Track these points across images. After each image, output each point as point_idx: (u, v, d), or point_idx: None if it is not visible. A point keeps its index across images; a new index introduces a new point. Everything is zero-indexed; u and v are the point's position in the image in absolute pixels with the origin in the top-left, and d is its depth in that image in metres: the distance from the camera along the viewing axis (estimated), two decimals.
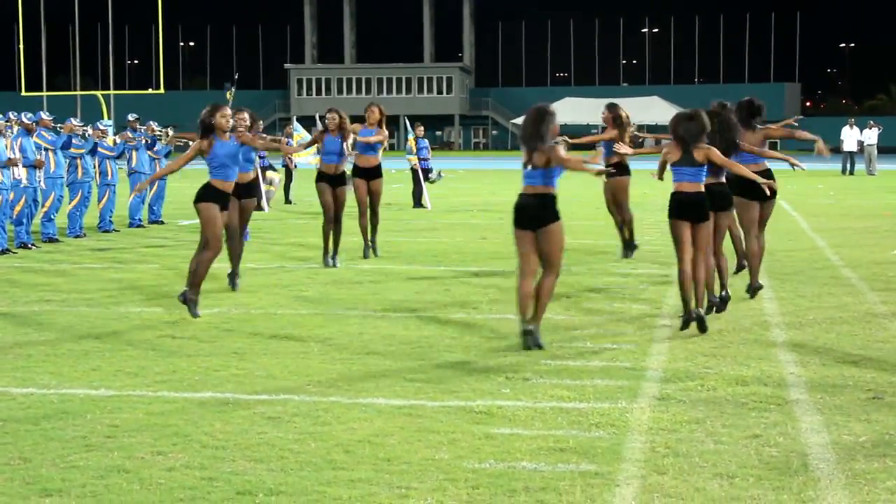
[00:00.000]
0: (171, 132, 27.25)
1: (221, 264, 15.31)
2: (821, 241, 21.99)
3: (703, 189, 12.57)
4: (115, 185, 25.06)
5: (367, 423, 8.67)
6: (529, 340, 11.36)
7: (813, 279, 16.62)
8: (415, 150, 32.53)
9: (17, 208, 20.93)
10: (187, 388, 9.90)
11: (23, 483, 7.25)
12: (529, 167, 11.39)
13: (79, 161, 23.45)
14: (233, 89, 38.75)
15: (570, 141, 16.79)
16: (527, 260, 11.43)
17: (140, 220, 26.25)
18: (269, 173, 31.21)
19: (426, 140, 34.82)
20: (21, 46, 69.46)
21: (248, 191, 16.21)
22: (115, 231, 24.92)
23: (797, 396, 9.51)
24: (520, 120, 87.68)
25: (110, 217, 25.05)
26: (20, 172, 20.48)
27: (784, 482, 7.25)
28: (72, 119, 24.05)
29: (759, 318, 13.41)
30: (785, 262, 18.59)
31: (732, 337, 12.17)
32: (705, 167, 12.57)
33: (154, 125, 27.21)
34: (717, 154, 12.54)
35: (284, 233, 24.19)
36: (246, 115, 16.23)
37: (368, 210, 19.21)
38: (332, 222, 18.03)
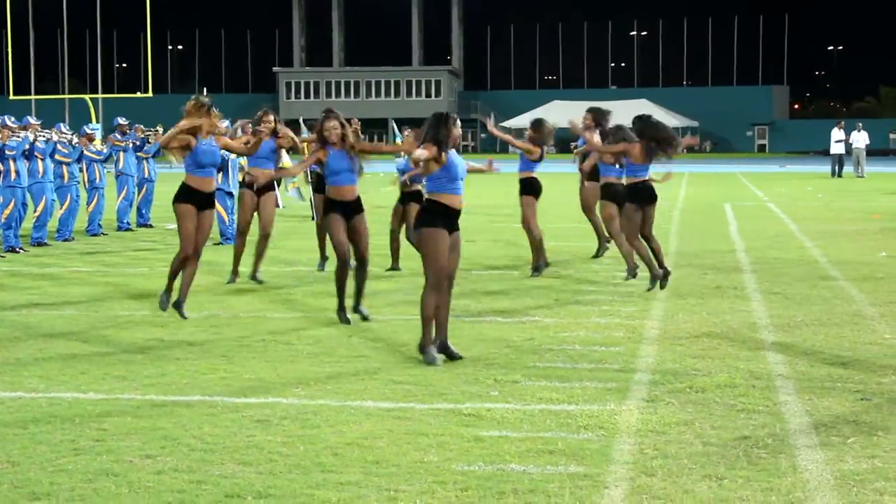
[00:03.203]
0: (160, 129, 27.21)
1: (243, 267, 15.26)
2: (809, 244, 22.02)
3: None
4: (102, 189, 25.04)
5: (355, 426, 8.66)
6: None
7: (801, 281, 16.64)
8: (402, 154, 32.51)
9: (6, 213, 20.91)
10: (176, 391, 9.89)
11: (11, 487, 7.23)
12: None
13: (64, 166, 23.42)
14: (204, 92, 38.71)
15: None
16: None
17: (128, 223, 26.23)
18: None
19: None
20: (9, 50, 69.35)
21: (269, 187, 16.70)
22: (104, 234, 24.89)
23: (786, 398, 9.53)
24: (510, 122, 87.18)
25: (99, 220, 25.03)
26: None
27: (773, 483, 7.26)
28: (60, 125, 24.02)
29: (748, 320, 13.42)
30: (773, 265, 18.62)
31: (721, 339, 12.19)
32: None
33: (142, 127, 27.21)
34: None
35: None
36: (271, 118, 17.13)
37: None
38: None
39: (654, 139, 15.27)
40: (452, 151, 11.34)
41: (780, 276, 17.25)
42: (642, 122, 15.54)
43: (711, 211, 31.38)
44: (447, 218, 11.13)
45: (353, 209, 13.34)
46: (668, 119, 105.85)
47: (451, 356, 11.16)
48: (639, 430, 8.50)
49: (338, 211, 13.28)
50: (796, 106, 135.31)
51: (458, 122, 11.57)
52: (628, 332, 12.61)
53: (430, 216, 11.13)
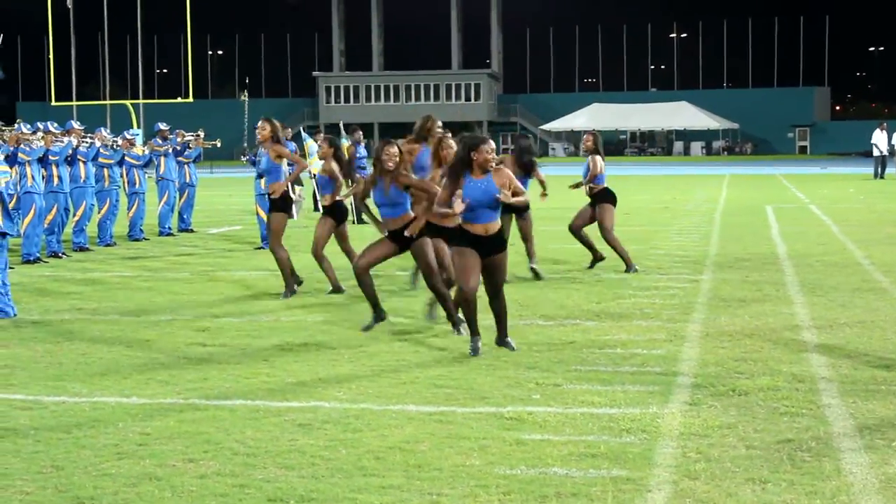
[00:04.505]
0: (201, 133, 27.35)
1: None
2: (851, 246, 21.89)
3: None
4: (143, 194, 25.17)
5: (397, 430, 8.67)
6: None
7: (844, 283, 16.54)
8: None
9: (49, 217, 21.04)
10: (218, 395, 9.92)
11: (55, 491, 7.27)
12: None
13: (105, 170, 23.56)
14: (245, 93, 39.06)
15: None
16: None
17: (170, 228, 26.35)
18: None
19: None
20: (51, 56, 69.78)
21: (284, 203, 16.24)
22: (145, 239, 25.03)
23: (829, 401, 9.47)
24: (550, 126, 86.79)
25: (140, 226, 25.16)
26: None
27: (817, 487, 7.21)
28: (102, 129, 24.19)
29: (790, 322, 13.36)
30: (816, 267, 18.51)
31: (763, 341, 12.13)
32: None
33: (183, 132, 27.34)
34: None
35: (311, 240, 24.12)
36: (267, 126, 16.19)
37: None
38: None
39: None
40: (483, 178, 11.38)
41: (823, 278, 17.15)
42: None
43: (753, 213, 31.25)
44: (474, 244, 11.44)
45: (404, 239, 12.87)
46: (709, 121, 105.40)
47: (509, 348, 11.75)
48: (681, 434, 8.47)
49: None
50: (837, 107, 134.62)
51: (487, 146, 11.41)
52: (670, 335, 12.57)
53: (456, 238, 11.59)
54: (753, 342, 12.10)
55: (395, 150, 12.72)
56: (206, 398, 9.81)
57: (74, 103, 71.81)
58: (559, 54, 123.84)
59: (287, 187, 16.23)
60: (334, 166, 15.86)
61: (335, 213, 16.01)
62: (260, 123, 16.29)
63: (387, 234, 12.80)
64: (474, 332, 11.61)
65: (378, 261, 12.96)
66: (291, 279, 15.97)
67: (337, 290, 16.01)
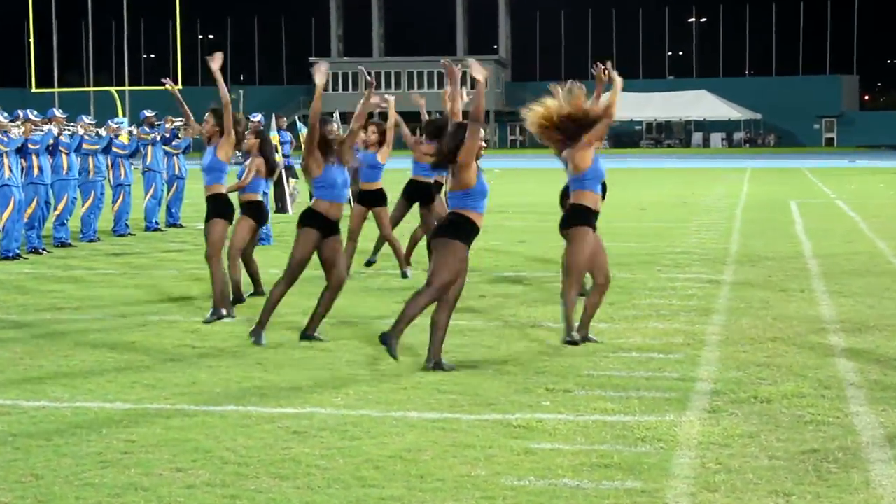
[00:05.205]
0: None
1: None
2: (881, 244, 21.88)
3: None
4: (129, 186, 25.12)
5: (398, 438, 8.66)
6: None
7: (873, 283, 16.53)
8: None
9: (29, 211, 21.03)
10: (208, 400, 9.91)
11: (35, 502, 7.26)
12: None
13: (91, 160, 23.50)
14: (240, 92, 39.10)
15: None
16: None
17: (157, 223, 26.34)
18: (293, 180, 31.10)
19: None
20: (31, 41, 69.86)
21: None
22: (131, 234, 25.01)
23: (857, 408, 9.46)
24: None
25: (126, 220, 25.13)
26: None
27: (844, 500, 7.20)
28: (84, 117, 24.17)
29: (816, 325, 13.34)
30: (843, 266, 18.51)
31: (788, 345, 12.11)
32: None
33: (172, 118, 27.28)
34: None
35: None
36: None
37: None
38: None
39: None
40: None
41: (850, 277, 17.15)
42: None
43: (776, 209, 31.26)
44: (471, 235, 11.22)
45: (334, 228, 12.66)
46: (730, 111, 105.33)
47: (445, 369, 11.06)
48: (700, 443, 8.46)
49: (317, 227, 12.56)
50: (866, 97, 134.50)
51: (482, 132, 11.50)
52: (688, 338, 12.56)
53: (459, 229, 11.16)
54: (776, 346, 12.09)
55: (333, 125, 12.89)
56: (194, 403, 9.80)
57: (56, 90, 71.94)
58: (571, 40, 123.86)
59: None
60: (259, 162, 15.34)
61: (256, 212, 15.25)
62: (206, 115, 15.08)
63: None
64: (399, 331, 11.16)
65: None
66: (223, 299, 14.17)
67: (238, 299, 14.81)
